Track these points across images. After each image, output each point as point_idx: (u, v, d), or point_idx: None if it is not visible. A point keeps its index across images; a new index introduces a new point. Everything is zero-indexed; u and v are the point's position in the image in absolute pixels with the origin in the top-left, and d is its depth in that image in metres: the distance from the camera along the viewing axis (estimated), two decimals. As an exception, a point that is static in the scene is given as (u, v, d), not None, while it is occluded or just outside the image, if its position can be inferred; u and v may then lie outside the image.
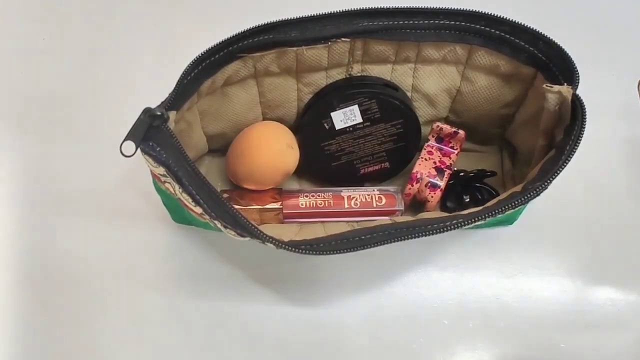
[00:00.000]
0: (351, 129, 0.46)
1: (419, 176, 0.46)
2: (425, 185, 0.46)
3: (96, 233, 0.49)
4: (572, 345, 0.45)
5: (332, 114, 0.46)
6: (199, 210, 0.36)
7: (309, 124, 0.46)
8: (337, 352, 0.44)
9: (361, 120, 0.46)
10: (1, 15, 0.60)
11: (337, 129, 0.46)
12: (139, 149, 0.35)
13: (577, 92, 0.39)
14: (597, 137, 0.53)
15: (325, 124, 0.45)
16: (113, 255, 0.48)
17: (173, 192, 0.37)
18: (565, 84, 0.39)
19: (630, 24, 0.59)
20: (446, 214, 0.39)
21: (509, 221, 0.48)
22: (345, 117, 0.45)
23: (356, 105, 0.45)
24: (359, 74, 0.46)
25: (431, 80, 0.47)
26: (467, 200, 0.47)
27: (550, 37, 0.40)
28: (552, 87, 0.39)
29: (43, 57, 0.57)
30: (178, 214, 0.47)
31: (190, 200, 0.36)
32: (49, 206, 0.50)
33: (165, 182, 0.37)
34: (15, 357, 0.44)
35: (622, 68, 0.56)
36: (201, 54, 0.39)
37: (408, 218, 0.43)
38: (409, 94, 0.47)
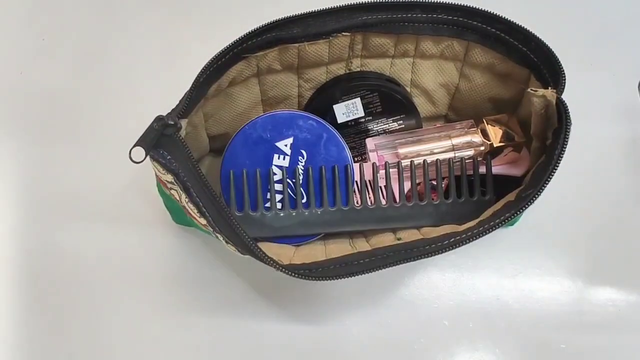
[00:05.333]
0: (353, 122, 0.46)
1: (419, 180, 0.46)
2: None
3: (95, 234, 0.48)
4: (572, 346, 0.45)
5: (335, 107, 0.46)
6: (203, 221, 0.36)
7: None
8: (337, 350, 0.44)
9: (363, 114, 0.46)
10: (1, 15, 0.60)
11: (339, 122, 0.46)
12: (148, 156, 0.35)
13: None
14: (597, 137, 0.53)
15: (327, 118, 0.45)
16: (113, 257, 0.48)
17: (178, 199, 0.37)
18: (552, 86, 0.39)
19: (630, 24, 0.59)
20: (443, 232, 0.39)
21: (510, 223, 0.48)
22: (348, 110, 0.46)
23: (358, 98, 0.45)
24: (358, 69, 0.46)
25: (429, 75, 0.47)
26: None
27: (541, 39, 0.41)
28: (536, 91, 0.39)
29: (43, 57, 0.57)
30: (179, 216, 0.47)
31: (195, 211, 0.36)
32: (48, 207, 0.50)
33: (171, 188, 0.37)
34: (14, 358, 0.44)
35: (622, 68, 0.56)
36: (210, 60, 0.39)
37: (410, 231, 0.43)
38: (408, 90, 0.48)
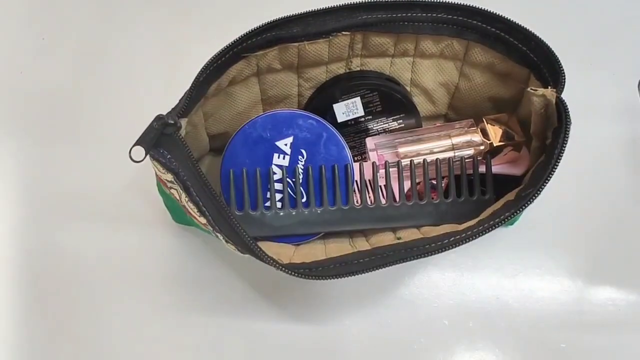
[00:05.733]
0: (353, 122, 0.47)
1: (418, 179, 0.46)
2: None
3: (95, 234, 0.48)
4: (572, 345, 0.45)
5: (335, 106, 0.46)
6: (203, 220, 0.36)
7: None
8: (337, 350, 0.44)
9: (363, 114, 0.46)
10: (1, 15, 0.60)
11: (339, 121, 0.46)
12: (148, 155, 0.35)
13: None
14: (597, 137, 0.53)
15: (327, 117, 0.45)
16: (113, 257, 0.48)
17: (178, 199, 0.37)
18: (551, 85, 0.39)
19: (630, 24, 0.59)
20: (443, 231, 0.39)
21: (510, 223, 0.48)
22: (348, 109, 0.46)
23: (358, 98, 0.45)
24: (358, 68, 0.46)
25: (429, 74, 0.47)
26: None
27: (541, 38, 0.41)
28: (536, 90, 0.39)
29: (43, 56, 0.57)
30: (179, 215, 0.47)
31: (195, 210, 0.36)
32: (48, 207, 0.50)
33: (171, 188, 0.37)
34: (15, 358, 0.44)
35: (622, 68, 0.56)
36: (210, 59, 0.39)
37: (410, 231, 0.43)
38: (407, 89, 0.48)
